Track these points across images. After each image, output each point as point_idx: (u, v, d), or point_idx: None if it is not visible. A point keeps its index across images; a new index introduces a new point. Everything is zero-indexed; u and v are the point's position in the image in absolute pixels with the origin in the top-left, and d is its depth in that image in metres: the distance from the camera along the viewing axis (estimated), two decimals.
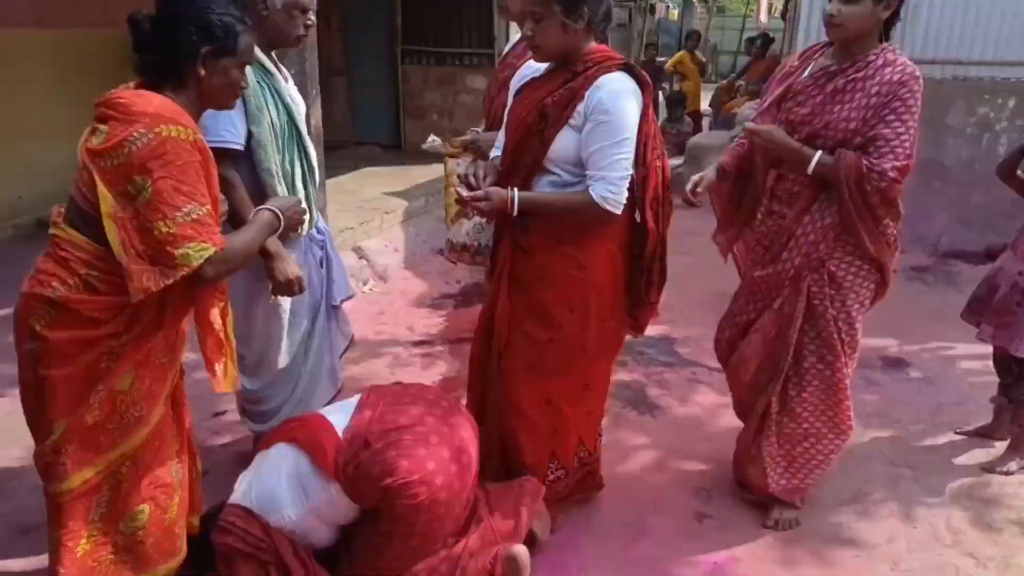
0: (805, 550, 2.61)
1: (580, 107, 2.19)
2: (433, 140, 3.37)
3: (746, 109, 8.18)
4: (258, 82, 2.39)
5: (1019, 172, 3.05)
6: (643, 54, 8.49)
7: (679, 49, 13.05)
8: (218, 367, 1.96)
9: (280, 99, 2.47)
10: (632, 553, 2.55)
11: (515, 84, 2.47)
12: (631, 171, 2.22)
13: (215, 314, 1.94)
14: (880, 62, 2.33)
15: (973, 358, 3.99)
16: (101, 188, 1.72)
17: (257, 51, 2.42)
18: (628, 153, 2.20)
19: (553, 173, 2.29)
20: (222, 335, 1.97)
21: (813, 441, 2.64)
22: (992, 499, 2.89)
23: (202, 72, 1.83)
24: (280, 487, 2.13)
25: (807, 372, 2.56)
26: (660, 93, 10.11)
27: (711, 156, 7.33)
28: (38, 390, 1.85)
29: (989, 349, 3.19)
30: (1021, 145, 3.10)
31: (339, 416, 2.18)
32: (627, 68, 2.24)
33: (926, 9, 6.76)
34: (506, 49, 3.44)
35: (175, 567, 2.12)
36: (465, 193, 2.23)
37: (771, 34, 10.93)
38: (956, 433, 3.34)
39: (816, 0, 7.24)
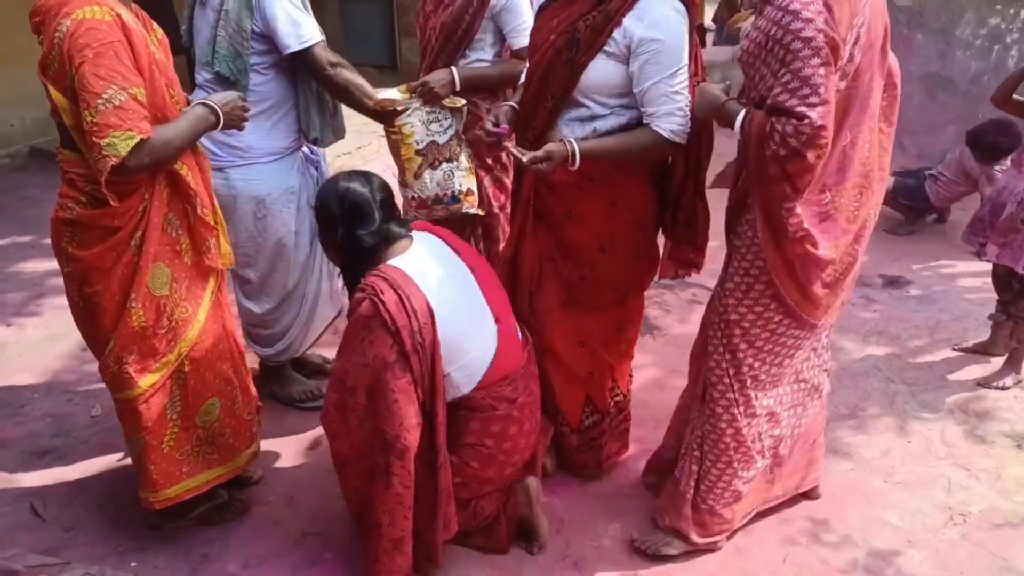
0: None
1: (617, 34, 1.99)
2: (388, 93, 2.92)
3: (750, 24, 7.97)
4: None
5: (1016, 96, 3.00)
6: None
7: None
8: (211, 242, 2.00)
9: None
10: (633, 467, 2.61)
11: None
12: (690, 99, 2.05)
13: (198, 207, 1.96)
14: None
15: (972, 275, 4.01)
16: (57, 98, 1.73)
17: None
18: (686, 80, 2.04)
19: (583, 105, 2.11)
20: (207, 218, 2.00)
21: (696, 467, 2.20)
22: (986, 413, 2.95)
23: None
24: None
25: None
26: None
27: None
28: (86, 307, 1.94)
29: (988, 267, 3.20)
30: (1016, 72, 3.04)
31: None
32: None
33: None
34: None
35: (256, 451, 2.32)
36: (525, 158, 2.02)
37: None
38: (954, 349, 3.38)
39: None
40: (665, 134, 2.04)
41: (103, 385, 2.08)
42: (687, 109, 2.04)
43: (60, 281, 2.02)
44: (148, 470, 2.05)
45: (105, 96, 1.66)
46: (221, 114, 1.94)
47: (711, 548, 2.25)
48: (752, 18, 8.36)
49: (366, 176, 2.05)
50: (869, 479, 2.59)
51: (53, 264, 2.07)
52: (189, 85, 2.49)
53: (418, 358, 1.89)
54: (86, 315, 1.96)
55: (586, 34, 2.02)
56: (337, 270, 2.96)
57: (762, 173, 1.79)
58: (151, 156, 1.75)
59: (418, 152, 2.55)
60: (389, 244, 2.01)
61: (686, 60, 2.03)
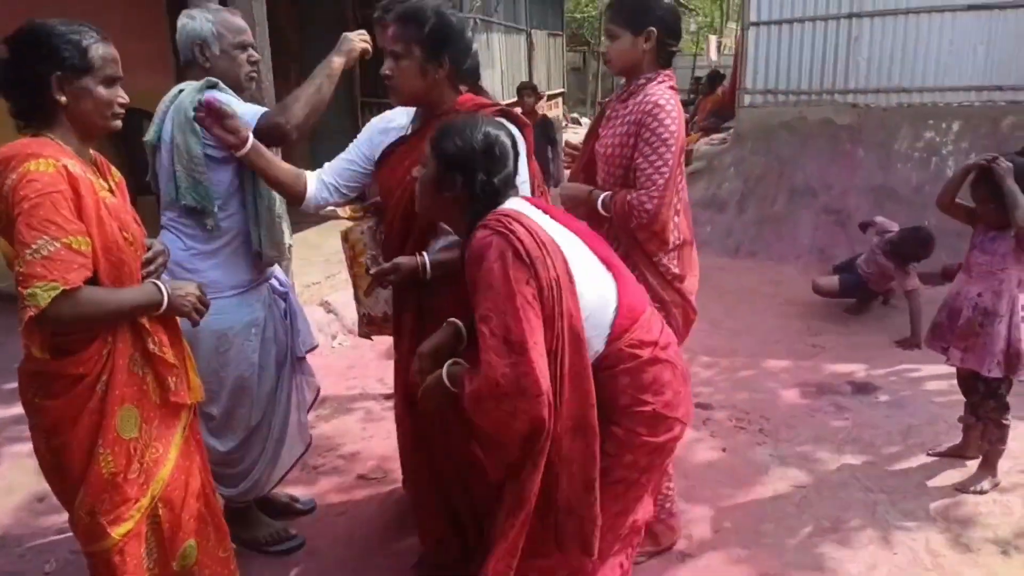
0: None
1: None
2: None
3: (702, 145, 8.36)
4: None
5: (958, 199, 3.15)
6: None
7: None
8: (171, 380, 1.94)
9: None
10: None
11: (375, 143, 2.35)
12: None
13: (150, 343, 1.91)
14: (641, 93, 2.35)
15: (938, 378, 4.06)
16: (7, 250, 1.74)
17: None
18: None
19: (448, 232, 2.17)
20: (166, 356, 1.94)
21: None
22: (968, 519, 2.92)
23: (62, 99, 1.76)
24: None
25: None
26: None
27: None
28: (54, 459, 1.87)
29: (953, 369, 3.25)
30: (957, 173, 3.15)
31: None
32: (503, 113, 2.17)
33: (867, 41, 7.01)
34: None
35: None
36: (371, 268, 2.13)
37: (721, 70, 11.22)
38: (929, 455, 3.38)
39: (763, 37, 7.49)
40: None
41: (58, 539, 1.99)
42: None
43: (19, 428, 1.97)
44: None
45: (34, 247, 1.66)
46: (167, 297, 1.89)
47: None
48: (702, 139, 8.78)
49: (502, 123, 2.00)
50: None
51: (13, 410, 2.01)
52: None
53: (552, 296, 1.75)
54: (54, 467, 1.89)
55: None
56: (307, 403, 2.91)
57: (632, 237, 2.35)
58: (73, 311, 1.71)
59: (368, 271, 2.53)
60: (508, 194, 1.95)
61: (523, 179, 2.12)
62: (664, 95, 2.31)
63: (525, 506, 1.78)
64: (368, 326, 2.69)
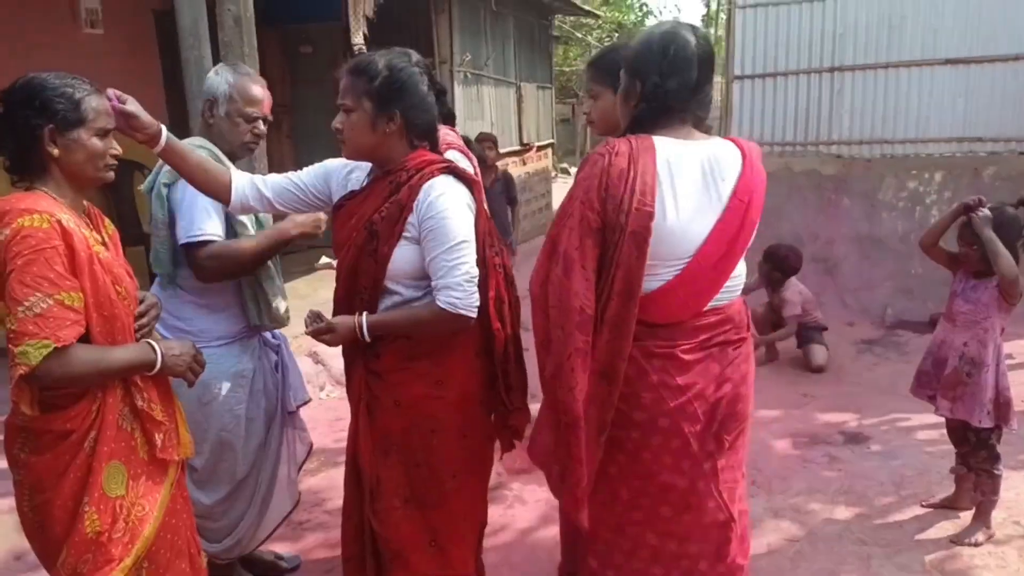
0: None
1: (412, 219, 2.07)
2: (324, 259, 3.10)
3: None
4: None
5: (940, 244, 3.18)
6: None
7: None
8: (158, 437, 1.90)
9: None
10: None
11: (334, 181, 2.32)
12: (476, 272, 2.08)
13: (139, 400, 1.88)
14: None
15: (929, 427, 4.05)
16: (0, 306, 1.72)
17: (220, 155, 2.45)
18: (468, 256, 2.07)
19: (395, 292, 2.15)
20: (154, 413, 1.91)
21: None
22: (963, 572, 2.88)
23: (55, 151, 1.76)
24: None
25: None
26: None
27: None
28: (35, 516, 1.83)
29: (941, 419, 3.24)
30: (946, 215, 3.17)
31: None
32: (450, 171, 2.13)
33: (849, 94, 7.17)
34: None
35: None
36: (308, 326, 2.11)
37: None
38: (922, 506, 3.35)
39: (748, 91, 7.65)
40: (443, 305, 2.05)
41: None
42: (467, 283, 2.06)
43: (1, 484, 1.92)
44: None
45: (27, 304, 1.65)
46: (161, 358, 1.87)
47: None
48: None
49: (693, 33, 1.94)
50: None
51: None
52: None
53: (614, 238, 1.81)
54: (35, 524, 1.84)
55: (383, 226, 2.09)
56: (299, 459, 2.86)
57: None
58: (63, 370, 1.69)
59: (307, 332, 2.50)
60: (666, 115, 1.91)
61: (466, 236, 2.08)
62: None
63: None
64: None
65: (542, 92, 11.74)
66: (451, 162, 2.17)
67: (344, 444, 4.12)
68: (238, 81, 2.48)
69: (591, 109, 2.45)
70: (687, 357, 1.89)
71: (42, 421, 1.76)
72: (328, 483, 3.70)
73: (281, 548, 3.06)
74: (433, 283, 2.08)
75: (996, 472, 3.08)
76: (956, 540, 3.07)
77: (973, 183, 6.46)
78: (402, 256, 2.10)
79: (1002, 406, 3.00)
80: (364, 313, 2.11)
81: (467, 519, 2.32)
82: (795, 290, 5.37)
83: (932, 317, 5.91)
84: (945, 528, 3.17)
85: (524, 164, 10.77)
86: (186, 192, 2.35)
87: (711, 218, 1.87)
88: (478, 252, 2.13)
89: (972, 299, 3.06)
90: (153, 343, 1.88)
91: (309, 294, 6.42)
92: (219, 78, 2.49)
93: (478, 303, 2.09)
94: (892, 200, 6.84)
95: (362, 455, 2.24)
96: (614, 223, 1.80)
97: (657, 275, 1.86)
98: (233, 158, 2.54)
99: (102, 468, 1.80)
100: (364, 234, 2.11)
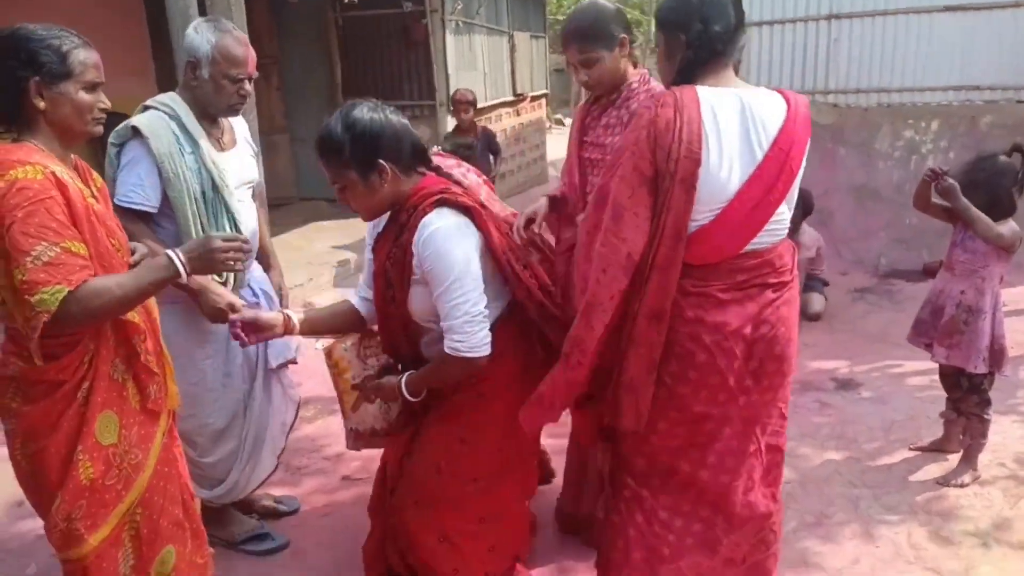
0: None
1: (415, 261, 2.05)
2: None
3: None
4: (178, 151, 2.37)
5: (933, 199, 3.17)
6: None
7: None
8: (152, 388, 1.93)
9: (204, 166, 2.43)
10: None
11: (370, 238, 2.37)
12: (477, 309, 2.03)
13: (140, 351, 1.90)
14: (633, 99, 2.42)
15: (920, 374, 4.10)
16: None
17: (187, 119, 2.41)
18: (465, 293, 2.01)
19: (429, 329, 2.17)
20: (151, 364, 1.92)
21: None
22: (949, 512, 2.94)
23: (41, 104, 1.74)
24: None
25: None
26: None
27: None
28: (29, 465, 1.84)
29: (935, 365, 3.28)
30: (920, 183, 3.18)
31: None
32: (443, 202, 2.06)
33: (846, 42, 7.07)
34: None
35: None
36: (356, 381, 2.26)
37: None
38: (910, 449, 3.40)
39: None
40: (448, 350, 2.04)
41: (37, 542, 1.96)
42: (467, 324, 2.02)
43: None
44: None
45: (34, 253, 1.64)
46: (181, 262, 1.83)
47: None
48: None
49: None
50: None
51: None
52: None
53: (664, 185, 1.83)
54: (29, 473, 1.86)
55: (394, 272, 2.11)
56: (288, 419, 2.89)
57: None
58: (81, 308, 1.68)
59: (354, 386, 2.41)
60: (713, 60, 1.91)
61: (458, 274, 2.01)
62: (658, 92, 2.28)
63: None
64: (357, 441, 2.53)
65: (535, 41, 11.56)
66: (446, 189, 2.11)
67: None
68: (220, 40, 2.38)
69: (590, 75, 2.41)
70: (722, 296, 1.92)
71: (36, 372, 1.76)
72: (324, 431, 3.74)
73: (280, 493, 3.11)
74: (442, 326, 2.07)
75: (986, 416, 3.13)
76: (943, 482, 3.13)
77: (970, 131, 6.43)
78: (416, 298, 2.11)
79: (996, 352, 3.03)
80: (403, 375, 2.18)
81: (484, 520, 2.30)
82: (812, 236, 5.41)
83: (925, 266, 5.94)
84: (932, 471, 3.23)
85: (518, 115, 10.67)
86: (128, 156, 2.34)
87: (750, 164, 1.88)
88: (504, 271, 2.13)
89: (970, 248, 3.07)
90: (168, 252, 1.85)
91: (302, 247, 6.41)
92: (200, 37, 2.39)
93: (486, 341, 2.05)
94: (888, 150, 6.80)
95: (390, 453, 2.39)
96: (663, 171, 1.84)
97: (695, 219, 1.89)
98: (217, 115, 2.51)
99: (95, 417, 1.82)
100: (382, 282, 2.16)
